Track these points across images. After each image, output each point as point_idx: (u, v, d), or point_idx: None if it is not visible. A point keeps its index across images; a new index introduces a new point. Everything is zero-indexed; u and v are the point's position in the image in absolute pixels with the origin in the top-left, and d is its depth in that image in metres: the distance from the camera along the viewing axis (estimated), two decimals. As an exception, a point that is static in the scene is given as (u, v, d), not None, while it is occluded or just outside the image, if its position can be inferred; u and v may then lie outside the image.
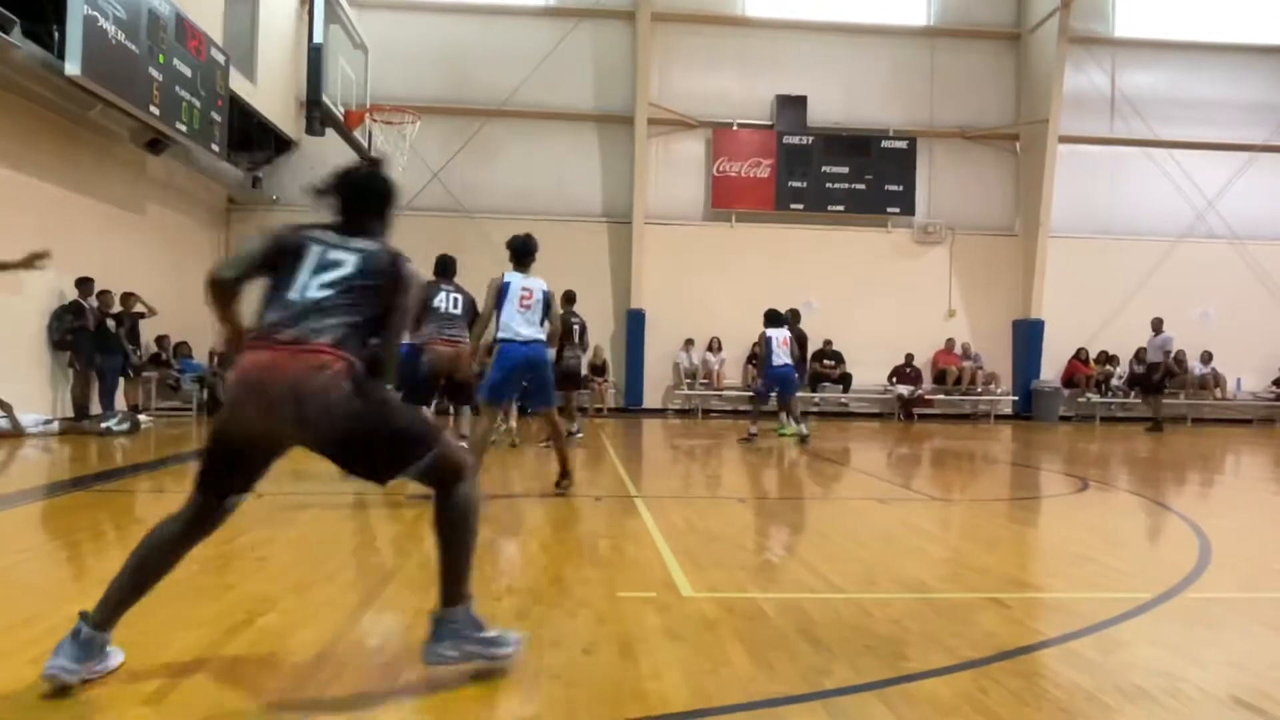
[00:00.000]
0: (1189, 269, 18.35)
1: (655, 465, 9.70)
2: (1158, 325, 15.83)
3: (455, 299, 7.16)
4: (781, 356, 11.50)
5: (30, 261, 8.04)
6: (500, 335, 6.31)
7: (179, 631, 3.04)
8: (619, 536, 5.06)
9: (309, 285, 2.62)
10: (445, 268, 7.42)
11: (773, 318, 11.74)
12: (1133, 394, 16.86)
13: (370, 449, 2.60)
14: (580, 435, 11.14)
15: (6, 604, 3.43)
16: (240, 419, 2.55)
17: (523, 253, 6.41)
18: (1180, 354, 18.14)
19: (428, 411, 7.50)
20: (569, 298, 11.34)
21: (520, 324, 6.20)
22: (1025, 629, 3.38)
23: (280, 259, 2.68)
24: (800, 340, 12.39)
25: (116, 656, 2.63)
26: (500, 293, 6.26)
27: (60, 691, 2.45)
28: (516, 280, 6.29)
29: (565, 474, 6.51)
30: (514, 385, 6.43)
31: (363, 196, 2.84)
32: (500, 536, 5.01)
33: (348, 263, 2.67)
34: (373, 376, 2.63)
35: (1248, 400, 18.59)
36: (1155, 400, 15.82)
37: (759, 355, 12.27)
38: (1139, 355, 17.99)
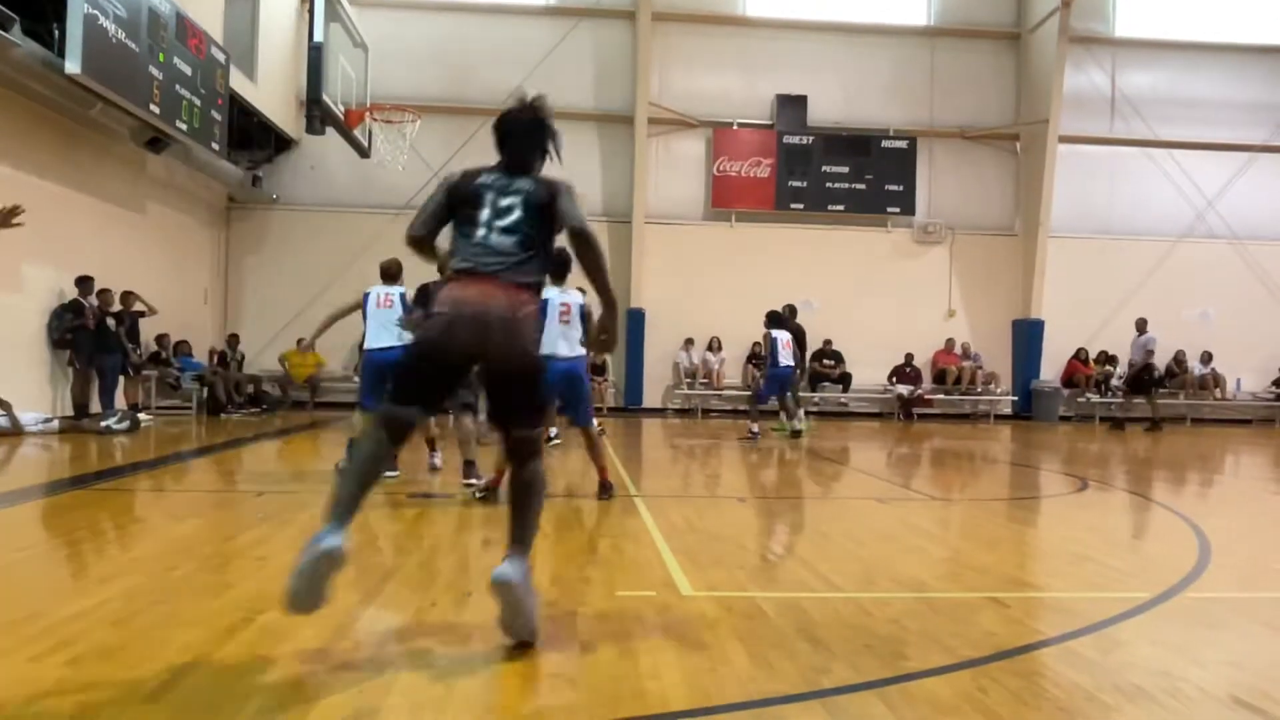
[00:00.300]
0: (1189, 269, 18.34)
1: (655, 465, 9.70)
2: (1141, 325, 15.77)
3: None
4: (786, 357, 11.63)
5: (6, 219, 8.00)
6: (541, 352, 6.25)
7: (178, 630, 3.04)
8: (618, 536, 5.06)
9: (492, 229, 3.02)
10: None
11: (776, 319, 11.79)
12: (1124, 396, 16.72)
13: (525, 392, 3.05)
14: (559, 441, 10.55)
15: (7, 601, 3.43)
16: (454, 335, 2.92)
17: (560, 267, 6.46)
18: (1180, 354, 18.18)
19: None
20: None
21: (559, 341, 6.14)
22: (1025, 628, 3.39)
23: (459, 206, 3.09)
24: (799, 335, 12.46)
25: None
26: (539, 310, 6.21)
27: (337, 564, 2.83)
28: (555, 296, 6.20)
29: (605, 485, 6.30)
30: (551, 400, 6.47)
31: (520, 137, 3.18)
32: (500, 535, 5.00)
33: (516, 207, 3.04)
34: (608, 313, 3.22)
35: (1247, 400, 18.58)
36: (1150, 400, 15.77)
37: (764, 355, 12.29)
38: (1148, 355, 18.02)
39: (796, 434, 12.03)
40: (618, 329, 3.32)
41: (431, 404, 3.14)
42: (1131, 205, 18.58)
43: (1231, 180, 18.55)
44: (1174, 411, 17.98)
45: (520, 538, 3.08)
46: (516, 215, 3.02)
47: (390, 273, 7.55)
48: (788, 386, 12.14)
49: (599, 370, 17.06)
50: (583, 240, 3.05)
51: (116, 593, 3.53)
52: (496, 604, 2.93)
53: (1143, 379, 15.66)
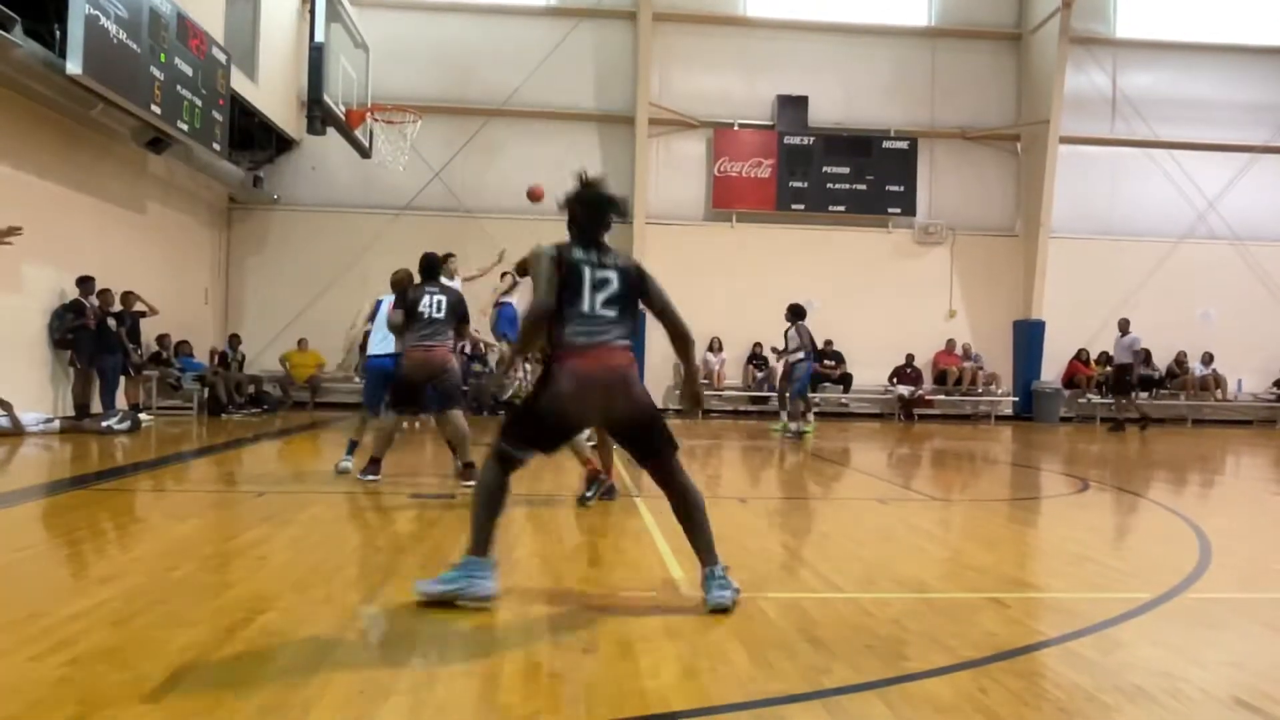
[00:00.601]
0: (1190, 270, 18.32)
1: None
2: (1124, 326, 15.82)
3: (439, 302, 6.79)
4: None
5: (1, 237, 8.05)
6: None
7: (178, 629, 3.04)
8: (619, 536, 5.07)
9: (596, 303, 3.52)
10: (431, 269, 7.03)
11: (801, 311, 11.90)
12: (1114, 397, 16.69)
13: (648, 431, 3.61)
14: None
15: (7, 601, 3.43)
16: (583, 401, 3.46)
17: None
18: (1181, 355, 18.19)
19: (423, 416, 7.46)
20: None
21: None
22: (1025, 629, 3.39)
23: (566, 276, 3.51)
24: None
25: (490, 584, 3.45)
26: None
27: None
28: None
29: (608, 488, 6.24)
30: None
31: (593, 214, 3.65)
32: (501, 535, 5.00)
33: (614, 281, 3.57)
34: (681, 354, 3.79)
35: (1248, 401, 18.57)
36: (1129, 401, 15.83)
37: (788, 349, 12.20)
38: (1138, 356, 18.02)
39: (800, 435, 12.06)
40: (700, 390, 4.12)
41: (550, 450, 3.66)
42: (1132, 206, 18.57)
43: (1233, 181, 18.54)
44: (1175, 412, 18.03)
45: (704, 550, 3.60)
46: (614, 289, 3.56)
47: (403, 284, 7.58)
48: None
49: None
50: (675, 328, 3.72)
51: (117, 593, 3.53)
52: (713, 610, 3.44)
53: (1125, 380, 15.71)
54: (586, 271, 3.53)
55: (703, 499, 3.68)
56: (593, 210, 3.65)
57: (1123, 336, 15.72)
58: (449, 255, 8.06)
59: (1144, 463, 10.63)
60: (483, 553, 3.45)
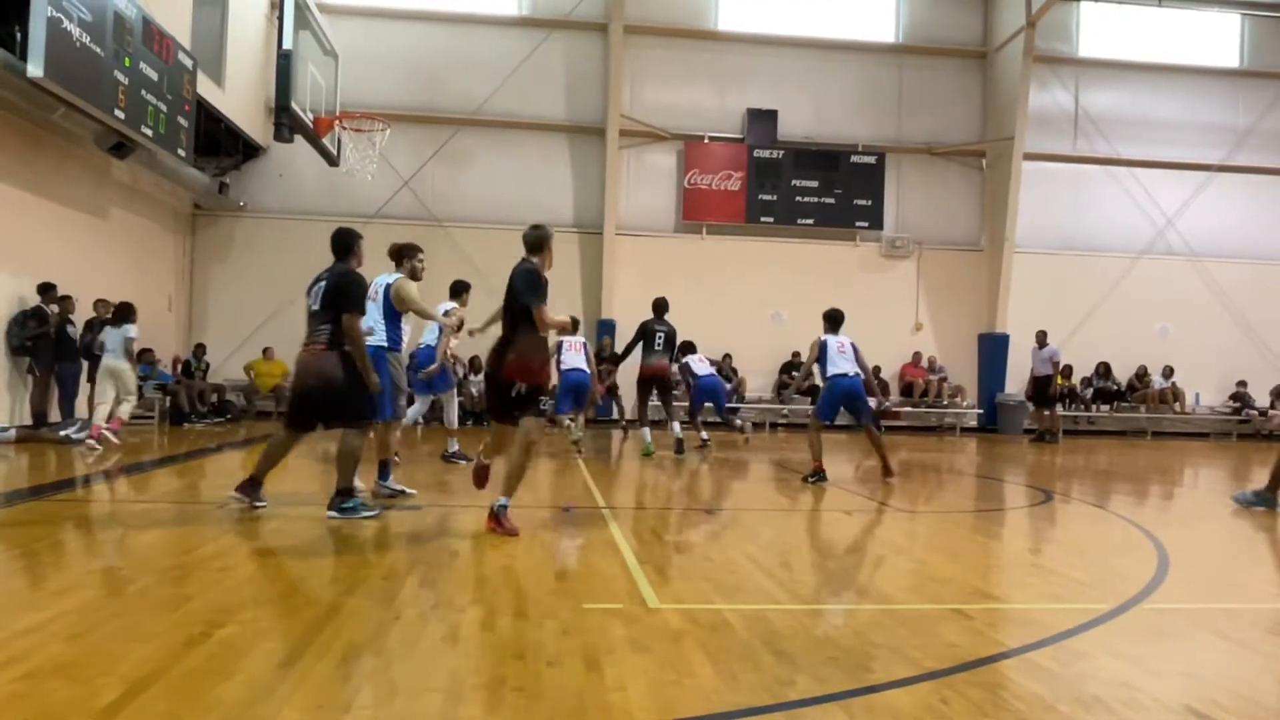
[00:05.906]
0: (1149, 285, 18.71)
1: (624, 477, 9.68)
2: (1041, 338, 16.28)
3: (319, 290, 5.82)
4: (840, 365, 9.24)
5: None
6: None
7: (134, 644, 2.99)
8: (586, 548, 5.06)
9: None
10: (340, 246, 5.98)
11: (836, 319, 9.71)
12: (1031, 407, 17.05)
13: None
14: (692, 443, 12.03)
15: (-43, 616, 3.35)
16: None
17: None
18: (1142, 368, 18.54)
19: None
20: (657, 306, 11.89)
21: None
22: (987, 640, 3.42)
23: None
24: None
25: None
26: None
27: None
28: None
29: (695, 444, 8.47)
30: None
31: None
32: (467, 546, 4.98)
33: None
34: None
35: (1206, 415, 18.94)
36: (1052, 413, 16.21)
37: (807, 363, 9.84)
38: (1099, 370, 18.40)
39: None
40: None
41: None
42: (1094, 222, 18.94)
43: (1190, 199, 18.97)
44: (1135, 425, 18.38)
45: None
46: None
47: (395, 256, 6.97)
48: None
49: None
50: None
51: (73, 606, 3.47)
52: None
53: (1047, 391, 16.09)
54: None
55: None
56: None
57: (1040, 349, 16.19)
58: (412, 249, 7.01)
59: (1104, 475, 10.80)
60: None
